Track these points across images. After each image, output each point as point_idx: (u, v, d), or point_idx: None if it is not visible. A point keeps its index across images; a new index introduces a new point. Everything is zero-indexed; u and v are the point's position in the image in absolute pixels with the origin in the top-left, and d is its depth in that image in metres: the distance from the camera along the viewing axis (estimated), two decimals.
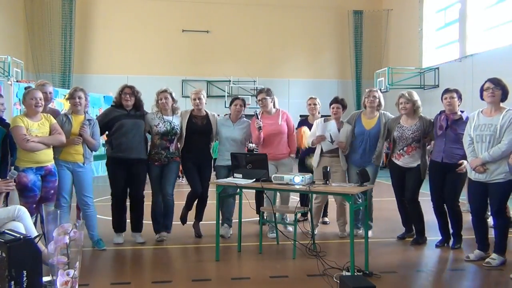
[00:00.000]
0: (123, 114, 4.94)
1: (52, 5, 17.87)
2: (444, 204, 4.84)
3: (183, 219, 5.38)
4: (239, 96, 5.78)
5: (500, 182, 4.09)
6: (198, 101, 5.24)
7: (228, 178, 4.68)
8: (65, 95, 5.33)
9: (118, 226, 5.03)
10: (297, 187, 4.13)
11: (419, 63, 16.83)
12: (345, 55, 19.67)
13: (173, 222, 5.29)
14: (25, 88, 4.43)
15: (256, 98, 5.47)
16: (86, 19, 18.44)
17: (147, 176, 5.13)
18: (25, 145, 4.12)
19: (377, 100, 5.22)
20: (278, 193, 5.37)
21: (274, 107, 5.47)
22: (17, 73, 14.71)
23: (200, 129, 5.24)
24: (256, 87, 17.98)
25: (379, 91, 5.48)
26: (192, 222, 5.39)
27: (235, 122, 5.44)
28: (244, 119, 5.53)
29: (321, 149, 5.30)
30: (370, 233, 5.21)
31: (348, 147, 5.27)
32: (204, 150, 5.34)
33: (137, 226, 5.09)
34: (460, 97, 4.72)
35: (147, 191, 5.12)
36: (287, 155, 5.40)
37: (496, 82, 4.18)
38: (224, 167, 5.26)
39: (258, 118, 5.21)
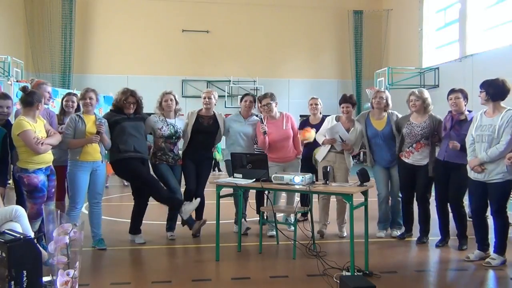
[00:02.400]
0: (123, 118, 4.93)
1: (52, 5, 17.86)
2: (448, 204, 4.84)
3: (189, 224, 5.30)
4: (248, 93, 5.80)
5: (499, 182, 4.09)
6: (208, 100, 5.30)
7: (228, 178, 4.67)
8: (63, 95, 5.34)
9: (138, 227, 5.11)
10: (297, 187, 4.12)
11: (419, 63, 16.81)
12: (345, 55, 19.65)
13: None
14: (23, 88, 4.35)
15: (260, 103, 5.41)
16: (86, 19, 18.42)
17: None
18: (40, 147, 4.10)
19: (384, 101, 5.23)
20: (283, 193, 5.36)
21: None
22: (17, 73, 14.69)
23: (205, 129, 5.28)
24: (256, 87, 17.97)
25: (386, 91, 5.49)
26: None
27: (246, 118, 5.50)
28: (255, 117, 5.54)
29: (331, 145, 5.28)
30: (398, 232, 5.26)
31: (354, 148, 5.29)
32: (206, 150, 5.39)
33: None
34: (466, 97, 4.70)
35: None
36: (294, 157, 5.41)
37: (481, 85, 4.25)
38: None
39: (263, 123, 5.22)
